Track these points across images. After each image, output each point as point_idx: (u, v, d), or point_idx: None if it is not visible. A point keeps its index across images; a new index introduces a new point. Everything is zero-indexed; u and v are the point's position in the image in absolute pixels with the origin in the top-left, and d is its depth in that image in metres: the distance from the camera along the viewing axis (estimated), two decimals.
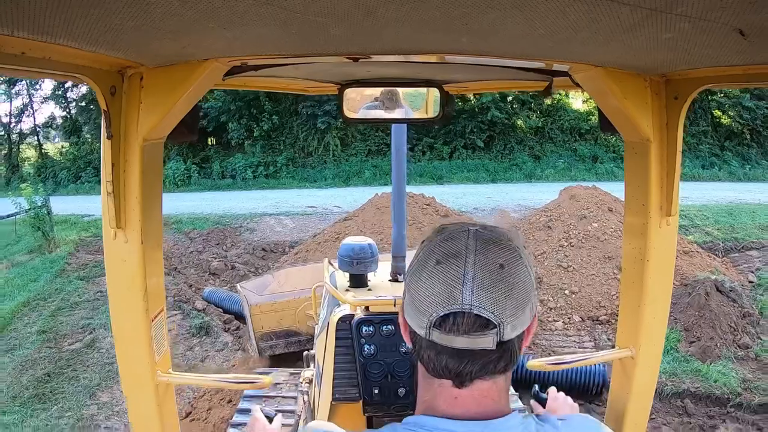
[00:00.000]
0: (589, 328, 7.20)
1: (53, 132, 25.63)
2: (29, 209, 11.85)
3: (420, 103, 2.06)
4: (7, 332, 7.66)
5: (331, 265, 3.08)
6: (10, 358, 6.89)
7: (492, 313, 0.86)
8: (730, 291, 7.18)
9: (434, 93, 1.98)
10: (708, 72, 1.31)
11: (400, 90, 2.01)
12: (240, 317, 7.75)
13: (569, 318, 7.37)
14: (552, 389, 1.60)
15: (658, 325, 1.70)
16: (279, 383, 4.73)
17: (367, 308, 2.39)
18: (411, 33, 1.03)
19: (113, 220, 1.36)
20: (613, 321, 7.31)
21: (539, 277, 7.87)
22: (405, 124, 2.72)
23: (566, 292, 7.80)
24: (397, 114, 2.05)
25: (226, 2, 0.80)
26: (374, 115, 2.03)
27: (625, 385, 1.76)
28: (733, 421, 5.44)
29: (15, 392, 6.03)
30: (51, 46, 0.96)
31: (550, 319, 7.41)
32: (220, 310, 7.98)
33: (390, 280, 2.82)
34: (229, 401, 5.45)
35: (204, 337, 7.24)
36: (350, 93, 1.96)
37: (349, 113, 1.97)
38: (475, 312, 0.85)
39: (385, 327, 2.31)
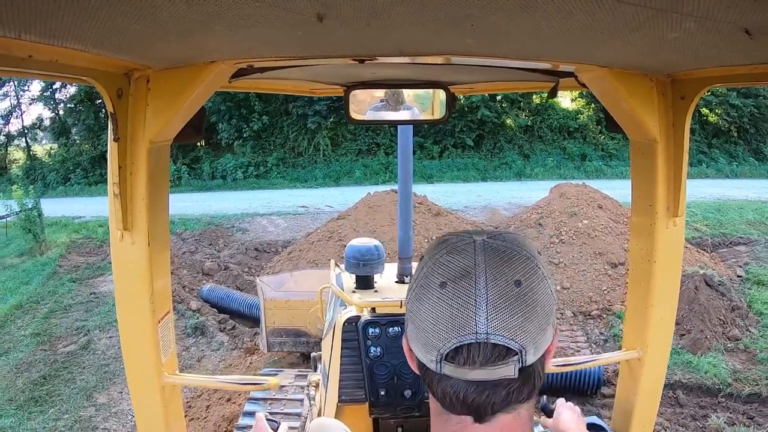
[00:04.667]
0: (581, 323, 7.30)
1: (41, 133, 25.28)
2: (20, 211, 11.75)
3: (426, 104, 2.03)
4: (0, 335, 7.61)
5: (338, 266, 3.04)
6: (5, 360, 6.86)
7: (512, 339, 0.74)
8: (719, 285, 7.29)
9: (440, 94, 1.94)
10: (714, 72, 1.30)
11: (406, 91, 1.98)
12: (236, 316, 7.78)
13: (561, 313, 7.47)
14: (560, 400, 1.54)
15: (666, 326, 1.68)
16: (284, 386, 4.76)
17: (373, 310, 2.40)
18: (416, 35, 1.00)
19: (120, 221, 1.36)
20: (604, 316, 7.43)
21: None
22: (411, 126, 2.68)
23: (558, 287, 7.90)
24: (403, 115, 2.03)
25: (231, 5, 0.79)
26: (380, 117, 2.01)
27: (633, 387, 1.73)
28: (724, 411, 5.55)
29: (11, 395, 6.01)
30: (58, 49, 0.94)
31: None
32: (215, 310, 7.97)
33: (396, 282, 2.80)
34: (228, 399, 5.47)
35: (199, 337, 7.25)
36: (356, 94, 1.91)
37: (355, 114, 1.92)
38: (492, 341, 0.74)
39: (391, 329, 2.31)
